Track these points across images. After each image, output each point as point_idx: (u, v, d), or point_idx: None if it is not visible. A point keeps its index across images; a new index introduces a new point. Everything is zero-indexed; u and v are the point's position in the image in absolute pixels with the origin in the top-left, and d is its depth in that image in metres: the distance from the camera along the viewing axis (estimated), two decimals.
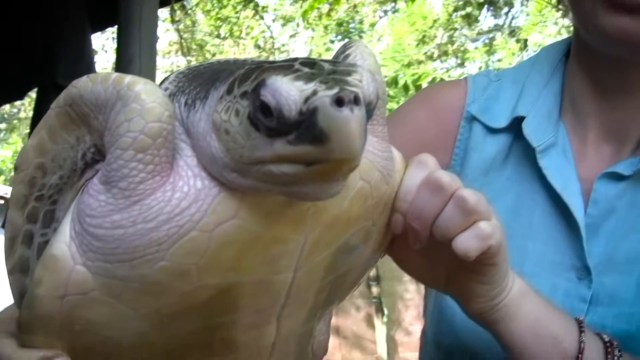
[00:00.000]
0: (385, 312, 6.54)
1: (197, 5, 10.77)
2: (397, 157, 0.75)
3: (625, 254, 1.02)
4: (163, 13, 8.73)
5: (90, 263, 0.60)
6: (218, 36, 11.66)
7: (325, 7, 10.98)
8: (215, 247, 0.59)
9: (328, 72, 0.53)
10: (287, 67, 0.54)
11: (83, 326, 0.62)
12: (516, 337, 0.81)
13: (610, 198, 1.04)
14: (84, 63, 3.14)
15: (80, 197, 0.62)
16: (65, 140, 0.64)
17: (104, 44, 11.13)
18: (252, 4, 10.65)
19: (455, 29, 11.08)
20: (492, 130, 1.14)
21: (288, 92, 0.51)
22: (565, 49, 1.17)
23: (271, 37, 11.79)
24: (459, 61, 11.76)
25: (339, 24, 11.88)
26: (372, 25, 12.20)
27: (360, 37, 12.17)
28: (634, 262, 1.01)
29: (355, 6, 11.83)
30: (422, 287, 1.17)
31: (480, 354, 1.00)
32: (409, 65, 11.10)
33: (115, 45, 3.18)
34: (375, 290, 6.51)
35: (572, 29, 1.14)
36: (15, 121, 13.59)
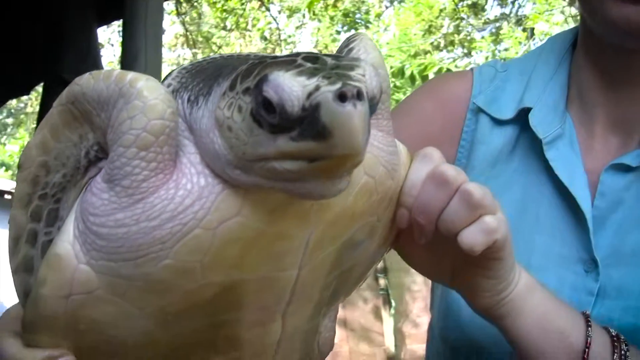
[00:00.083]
0: (393, 304, 6.54)
1: None
2: (402, 150, 0.75)
3: (632, 246, 1.01)
4: (169, 6, 8.72)
5: (94, 262, 0.60)
6: (224, 28, 11.63)
7: None
8: (219, 244, 0.59)
9: (331, 66, 0.53)
10: (290, 62, 0.53)
11: (88, 325, 0.62)
12: (522, 332, 0.81)
13: (617, 190, 1.04)
14: (90, 57, 3.14)
15: (83, 195, 0.62)
16: (68, 138, 0.64)
17: (110, 38, 11.11)
18: None
19: (462, 19, 11.02)
20: (498, 122, 1.14)
21: (290, 87, 0.51)
22: (572, 38, 1.16)
23: (277, 28, 11.75)
24: (466, 51, 11.71)
25: (345, 15, 11.82)
26: (378, 15, 12.14)
27: (367, 27, 12.12)
28: None
29: None
30: None
31: (486, 348, 0.99)
32: (415, 55, 11.05)
33: (121, 39, 3.18)
34: (382, 282, 6.51)
35: (578, 17, 1.13)
36: (22, 116, 13.61)
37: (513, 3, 10.67)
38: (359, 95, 0.50)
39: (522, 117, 1.11)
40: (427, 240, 0.75)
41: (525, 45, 10.26)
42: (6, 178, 10.76)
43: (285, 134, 0.52)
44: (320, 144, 0.51)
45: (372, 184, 0.67)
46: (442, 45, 11.45)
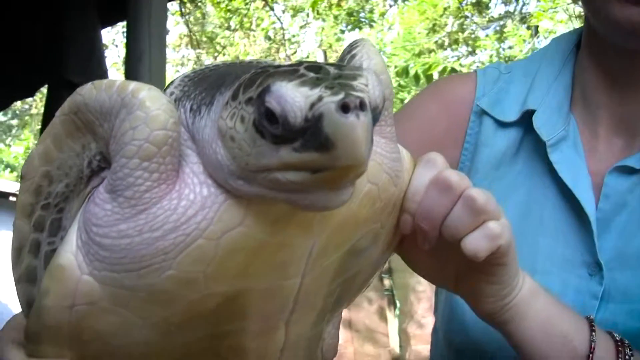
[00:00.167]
0: (398, 304, 6.53)
1: None
2: (405, 156, 0.74)
3: (637, 249, 1.01)
4: (173, 6, 8.72)
5: (97, 273, 0.60)
6: (228, 28, 11.62)
7: None
8: (222, 255, 0.59)
9: (333, 76, 0.52)
10: (292, 72, 0.53)
11: (91, 335, 0.62)
12: (526, 337, 0.80)
13: (621, 192, 1.04)
14: (94, 59, 3.15)
15: (86, 205, 0.62)
16: (71, 148, 0.64)
17: (114, 39, 11.13)
18: None
19: (466, 17, 11.00)
20: (502, 124, 1.14)
21: (293, 98, 0.51)
22: (576, 39, 1.16)
23: (281, 28, 11.74)
24: (470, 49, 11.69)
25: (349, 14, 11.81)
26: (382, 14, 12.12)
27: (371, 26, 12.11)
28: None
29: None
30: None
31: (490, 352, 0.99)
32: (419, 54, 11.04)
33: (125, 40, 3.18)
34: (387, 282, 6.50)
35: (583, 15, 1.13)
36: (27, 117, 13.62)
37: (517, 1, 10.66)
38: (361, 106, 0.50)
39: (526, 119, 1.11)
40: (430, 246, 0.75)
41: (529, 43, 10.23)
42: (11, 180, 10.77)
43: (288, 145, 0.52)
44: (323, 155, 0.50)
45: (376, 191, 0.67)
46: (446, 43, 11.44)
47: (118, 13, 3.33)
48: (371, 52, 0.72)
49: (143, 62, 2.79)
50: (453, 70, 6.68)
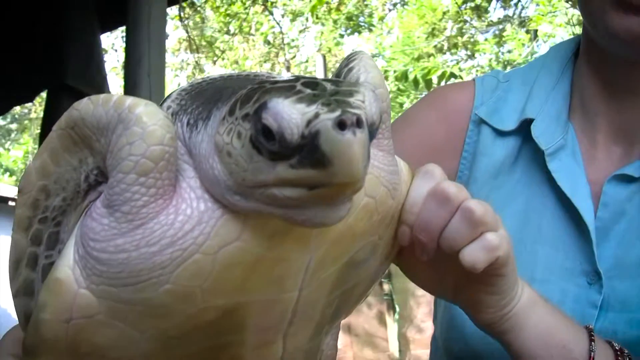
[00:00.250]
0: (397, 309, 6.54)
1: (205, 2, 10.75)
2: (403, 168, 0.74)
3: (636, 257, 1.01)
4: (172, 10, 8.72)
5: (94, 287, 0.59)
6: (227, 32, 11.63)
7: (334, 2, 10.97)
8: (220, 269, 0.59)
9: (330, 92, 0.52)
10: (289, 88, 0.53)
11: (89, 349, 0.62)
12: (525, 347, 0.80)
13: (620, 201, 1.04)
14: (93, 63, 3.15)
15: (83, 219, 0.62)
16: (68, 162, 0.64)
17: (113, 43, 11.12)
18: (261, 0, 10.63)
19: (465, 21, 11.01)
20: (500, 133, 1.14)
21: (290, 115, 0.50)
22: (574, 48, 1.16)
23: (280, 32, 11.76)
24: (469, 53, 11.71)
25: (349, 18, 11.82)
26: (382, 18, 12.13)
27: (370, 30, 12.13)
28: None
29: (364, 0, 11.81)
30: None
31: None
32: (419, 58, 11.05)
33: (124, 44, 3.19)
34: (386, 287, 6.50)
35: (581, 19, 1.13)
36: (26, 121, 13.63)
37: (516, 5, 10.66)
38: (358, 123, 0.50)
39: (524, 128, 1.11)
40: (429, 258, 0.75)
41: (528, 47, 10.26)
42: (10, 184, 10.77)
43: (285, 161, 0.52)
44: (320, 172, 0.50)
45: (373, 204, 0.67)
46: (445, 47, 11.46)
47: (117, 17, 3.32)
48: (368, 65, 0.72)
49: (142, 66, 2.80)
50: (452, 74, 6.70)
